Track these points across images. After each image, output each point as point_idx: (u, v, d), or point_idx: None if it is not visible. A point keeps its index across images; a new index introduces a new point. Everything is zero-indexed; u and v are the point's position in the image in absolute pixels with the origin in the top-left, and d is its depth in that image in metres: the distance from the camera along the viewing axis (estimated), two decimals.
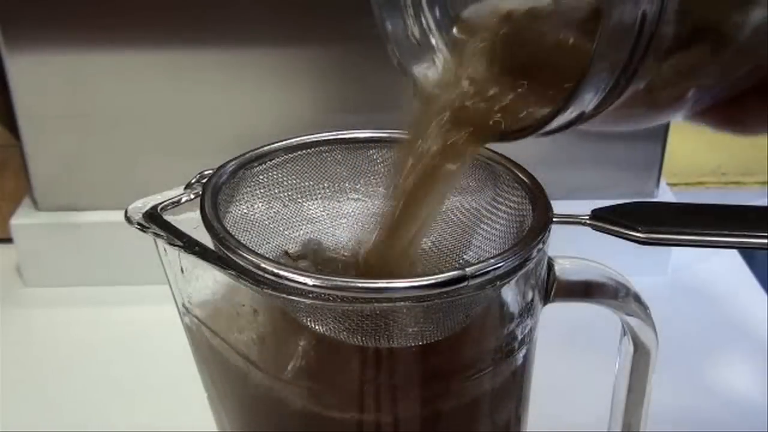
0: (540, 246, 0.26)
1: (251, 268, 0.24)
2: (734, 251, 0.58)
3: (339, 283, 0.23)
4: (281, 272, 0.23)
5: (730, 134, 0.24)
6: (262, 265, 0.24)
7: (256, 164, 0.30)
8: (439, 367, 0.26)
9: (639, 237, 0.26)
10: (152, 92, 0.50)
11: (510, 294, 0.26)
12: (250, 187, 0.30)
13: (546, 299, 0.29)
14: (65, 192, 0.52)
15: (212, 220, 0.26)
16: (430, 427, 0.28)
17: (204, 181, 0.29)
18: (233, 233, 0.26)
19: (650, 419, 0.33)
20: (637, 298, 0.30)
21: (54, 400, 0.45)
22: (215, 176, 0.29)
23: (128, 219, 0.27)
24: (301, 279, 0.23)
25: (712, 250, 0.58)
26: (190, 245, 0.26)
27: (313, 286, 0.23)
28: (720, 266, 0.57)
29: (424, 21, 0.27)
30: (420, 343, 0.25)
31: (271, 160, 0.31)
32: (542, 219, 0.27)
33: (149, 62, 0.49)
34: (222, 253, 0.25)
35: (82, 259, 0.53)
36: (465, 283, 0.23)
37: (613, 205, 0.28)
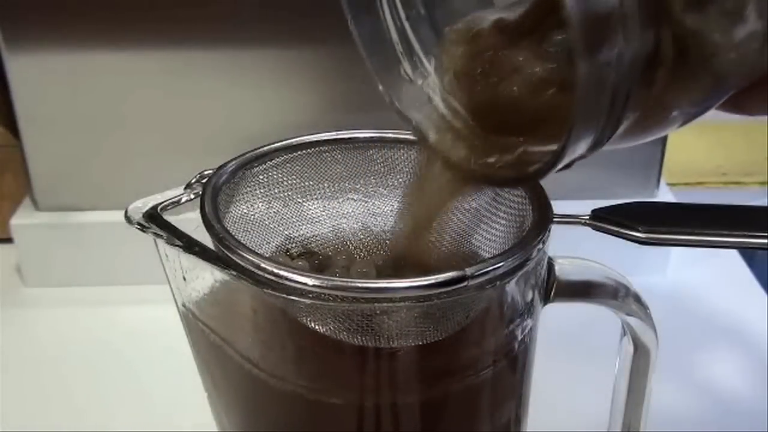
0: (540, 246, 0.26)
1: (251, 268, 0.24)
2: (734, 251, 0.58)
3: (339, 283, 0.23)
4: (281, 272, 0.23)
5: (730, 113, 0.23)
6: (262, 265, 0.24)
7: (256, 164, 0.30)
8: (439, 367, 0.26)
9: (639, 237, 0.26)
10: (152, 92, 0.50)
11: (510, 294, 0.26)
12: (250, 187, 0.30)
13: (546, 299, 0.29)
14: (65, 192, 0.52)
15: (212, 220, 0.26)
16: (430, 427, 0.28)
17: (204, 181, 0.29)
18: (233, 233, 0.26)
19: (650, 419, 0.33)
20: (637, 298, 0.30)
21: (54, 400, 0.45)
22: (215, 176, 0.29)
23: (128, 219, 0.27)
24: (301, 279, 0.23)
25: (712, 250, 0.58)
26: (190, 245, 0.26)
27: (313, 286, 0.23)
28: (720, 266, 0.57)
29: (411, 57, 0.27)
30: (420, 343, 0.25)
31: (271, 160, 0.31)
32: (542, 219, 0.27)
33: (149, 62, 0.49)
34: (222, 253, 0.25)
35: (82, 259, 0.53)
36: (465, 283, 0.23)
37: (613, 205, 0.28)
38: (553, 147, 0.20)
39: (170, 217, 0.28)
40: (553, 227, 0.27)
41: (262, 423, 0.29)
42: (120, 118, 0.50)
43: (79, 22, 0.47)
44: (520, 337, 0.28)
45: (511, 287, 0.26)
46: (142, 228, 0.27)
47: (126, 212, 0.27)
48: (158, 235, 0.26)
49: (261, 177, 0.31)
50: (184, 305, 0.29)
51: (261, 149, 0.30)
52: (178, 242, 0.26)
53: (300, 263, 0.31)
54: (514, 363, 0.29)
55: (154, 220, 0.27)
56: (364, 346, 0.25)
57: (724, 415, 0.44)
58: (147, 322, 0.49)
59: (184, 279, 0.28)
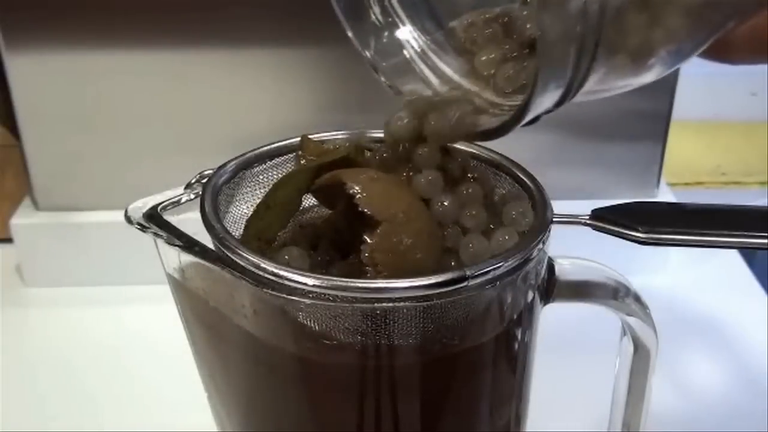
0: (540, 246, 0.26)
1: (251, 268, 0.24)
2: (734, 251, 0.58)
3: (338, 283, 0.23)
4: (281, 272, 0.23)
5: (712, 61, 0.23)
6: (262, 265, 0.24)
7: (256, 164, 0.30)
8: (439, 368, 0.26)
9: (639, 237, 0.26)
10: (152, 92, 0.50)
11: (510, 294, 0.26)
12: (250, 187, 0.30)
13: (546, 299, 0.29)
14: (65, 192, 0.52)
15: (212, 220, 0.26)
16: (430, 427, 0.28)
17: (204, 181, 0.29)
18: (233, 233, 0.25)
19: (650, 419, 0.33)
20: (637, 298, 0.30)
21: (54, 400, 0.45)
22: (215, 176, 0.29)
23: (128, 219, 0.27)
24: (300, 279, 0.23)
25: (712, 250, 0.58)
26: (189, 245, 0.26)
27: (313, 285, 0.23)
28: (720, 266, 0.57)
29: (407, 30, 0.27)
30: (420, 343, 0.25)
31: (270, 160, 0.31)
32: (542, 219, 0.27)
33: (149, 62, 0.49)
34: (222, 253, 0.25)
35: (82, 259, 0.53)
36: (465, 283, 0.23)
37: (613, 205, 0.28)
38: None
39: (170, 217, 0.28)
40: (553, 227, 0.27)
41: (261, 422, 0.29)
42: (120, 118, 0.50)
43: (79, 22, 0.47)
44: (520, 337, 0.28)
45: (511, 287, 0.26)
46: (142, 228, 0.27)
47: (126, 212, 0.27)
48: (158, 235, 0.26)
49: (261, 177, 0.31)
50: (183, 305, 0.29)
51: (261, 149, 0.30)
52: (177, 242, 0.26)
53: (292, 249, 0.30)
54: (514, 363, 0.29)
55: (154, 220, 0.27)
56: (364, 346, 0.25)
57: (723, 415, 0.44)
58: (147, 322, 0.49)
59: (184, 279, 0.28)
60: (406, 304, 0.23)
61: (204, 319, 0.28)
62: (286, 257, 0.26)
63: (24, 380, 0.46)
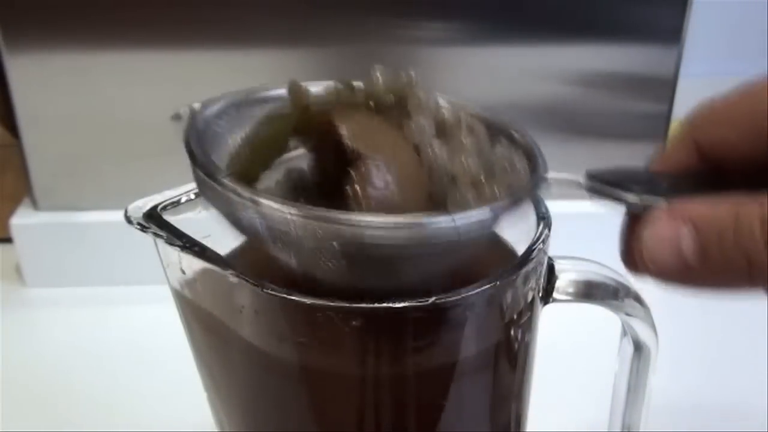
0: (540, 246, 0.26)
1: (231, 195, 0.23)
2: None
3: (318, 213, 0.22)
4: (263, 200, 0.23)
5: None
6: (240, 191, 0.23)
7: (248, 104, 0.29)
8: (439, 368, 0.26)
9: (633, 200, 0.25)
10: (152, 92, 0.50)
11: (510, 294, 0.26)
12: (240, 127, 0.29)
13: (546, 299, 0.29)
14: (65, 192, 0.52)
15: (194, 147, 0.26)
16: (430, 428, 0.28)
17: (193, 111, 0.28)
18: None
19: (650, 419, 0.33)
20: (637, 298, 0.30)
21: (54, 400, 0.45)
22: (204, 108, 0.28)
23: (128, 219, 0.27)
24: (279, 207, 0.23)
25: None
26: (189, 245, 0.26)
27: (291, 214, 0.23)
28: None
29: None
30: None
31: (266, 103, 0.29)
32: (536, 176, 0.26)
33: (149, 62, 0.49)
34: (202, 181, 0.24)
35: (83, 259, 0.53)
36: (451, 225, 0.23)
37: (610, 168, 0.27)
38: None
39: (170, 217, 0.28)
40: (553, 228, 0.27)
41: (261, 422, 0.29)
42: (120, 118, 0.50)
43: (79, 22, 0.47)
44: (520, 338, 0.28)
45: (511, 287, 0.26)
46: (142, 228, 0.27)
47: (126, 212, 0.27)
48: (158, 235, 0.26)
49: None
50: (183, 305, 0.29)
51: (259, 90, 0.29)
52: (177, 242, 0.26)
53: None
54: (514, 363, 0.29)
55: (154, 220, 0.27)
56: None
57: (724, 415, 0.44)
58: (147, 322, 0.49)
59: (184, 279, 0.28)
60: (385, 234, 0.23)
61: (204, 320, 0.28)
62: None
63: (24, 380, 0.46)
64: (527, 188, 0.26)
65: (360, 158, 0.24)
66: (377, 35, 0.48)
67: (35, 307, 0.52)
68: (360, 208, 0.24)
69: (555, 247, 0.28)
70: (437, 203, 0.26)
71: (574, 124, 0.51)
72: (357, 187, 0.24)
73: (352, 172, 0.24)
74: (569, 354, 0.45)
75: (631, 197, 0.25)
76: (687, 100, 0.27)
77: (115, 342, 0.49)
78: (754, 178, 0.24)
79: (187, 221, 0.27)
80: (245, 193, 0.23)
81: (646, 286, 0.30)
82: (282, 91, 0.29)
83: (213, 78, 0.49)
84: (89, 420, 0.43)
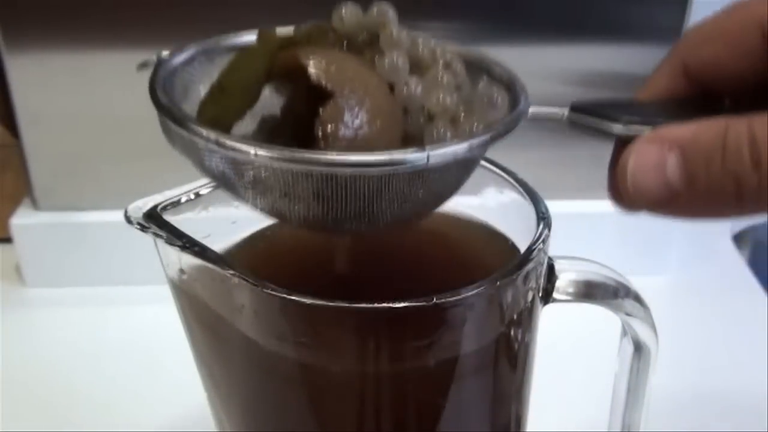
0: (540, 246, 0.26)
1: (197, 139, 0.23)
2: (734, 251, 0.58)
3: (286, 153, 0.22)
4: (228, 142, 0.22)
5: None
6: (206, 134, 0.23)
7: (218, 52, 0.28)
8: (439, 368, 0.26)
9: (618, 131, 0.24)
10: None
11: (510, 294, 0.26)
12: (208, 75, 0.28)
13: (546, 299, 0.29)
14: (65, 192, 0.52)
15: (159, 93, 0.25)
16: (430, 428, 0.28)
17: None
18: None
19: (650, 419, 0.33)
20: (637, 298, 0.30)
21: (54, 400, 0.45)
22: (171, 56, 0.27)
23: (128, 219, 0.27)
24: (248, 149, 0.22)
25: (712, 249, 0.58)
26: (189, 245, 0.26)
27: (260, 156, 0.22)
28: (720, 266, 0.57)
29: None
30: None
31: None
32: (517, 109, 0.25)
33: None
34: (170, 126, 0.24)
35: (83, 259, 0.53)
36: (424, 159, 0.22)
37: (596, 99, 0.25)
38: None
39: (170, 217, 0.28)
40: (553, 229, 0.27)
41: (261, 423, 0.29)
42: (120, 118, 0.50)
43: (79, 22, 0.47)
44: (520, 338, 0.28)
45: (511, 287, 0.26)
46: (142, 228, 0.27)
47: (126, 212, 0.27)
48: (158, 235, 0.26)
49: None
50: (183, 305, 0.29)
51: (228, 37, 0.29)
52: (177, 242, 0.26)
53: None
54: (514, 363, 0.29)
55: (154, 220, 0.27)
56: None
57: (724, 414, 0.44)
58: (147, 322, 0.49)
59: (184, 279, 0.28)
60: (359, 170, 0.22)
61: (204, 320, 0.28)
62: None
63: (24, 380, 0.46)
64: (508, 123, 0.24)
65: (329, 96, 0.23)
66: None
67: (35, 307, 0.52)
68: (329, 148, 0.23)
69: (555, 247, 0.28)
70: (412, 139, 0.25)
71: None
72: (327, 127, 0.23)
73: (321, 111, 0.23)
74: (569, 354, 0.45)
75: (617, 127, 0.24)
76: (665, 55, 0.26)
77: (115, 342, 0.49)
78: (743, 101, 0.24)
79: (187, 221, 0.27)
80: (211, 135, 0.22)
81: (646, 286, 0.30)
82: (252, 37, 0.28)
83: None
84: (89, 420, 0.43)
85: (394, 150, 0.22)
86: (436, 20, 0.48)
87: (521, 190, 0.29)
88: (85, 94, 0.49)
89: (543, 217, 0.28)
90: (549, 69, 0.50)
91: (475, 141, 0.23)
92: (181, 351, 0.30)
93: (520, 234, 0.29)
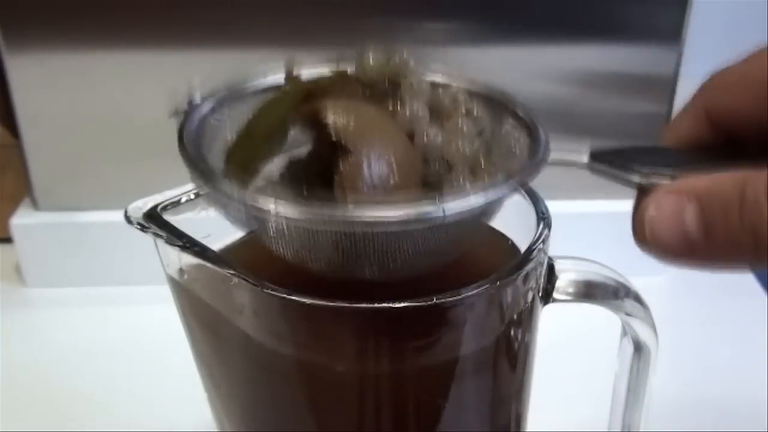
0: (540, 246, 0.26)
1: (222, 196, 0.23)
2: None
3: (309, 208, 0.22)
4: (249, 200, 0.23)
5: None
6: (230, 193, 0.23)
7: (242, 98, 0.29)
8: (439, 368, 0.26)
9: (637, 180, 0.24)
10: (152, 92, 0.50)
11: (510, 294, 0.26)
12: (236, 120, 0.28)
13: (546, 299, 0.29)
14: (65, 192, 0.52)
15: (189, 148, 0.26)
16: (430, 428, 0.28)
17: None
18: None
19: (650, 419, 0.33)
20: (637, 298, 0.30)
21: (54, 400, 0.45)
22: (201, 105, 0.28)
23: (128, 219, 0.27)
24: (265, 205, 0.22)
25: None
26: (190, 245, 0.26)
27: (277, 212, 0.22)
28: None
29: None
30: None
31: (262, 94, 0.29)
32: (536, 159, 0.25)
33: (150, 62, 0.49)
34: (202, 184, 0.24)
35: (83, 259, 0.53)
36: (440, 215, 0.22)
37: (614, 147, 0.26)
38: None
39: (170, 217, 0.27)
40: (553, 229, 0.27)
41: (261, 422, 0.29)
42: (120, 118, 0.50)
43: (79, 22, 0.47)
44: (520, 338, 0.28)
45: (511, 287, 0.26)
46: (142, 228, 0.27)
47: (126, 212, 0.27)
48: (158, 235, 0.26)
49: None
50: (183, 305, 0.29)
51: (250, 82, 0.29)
52: (178, 242, 0.26)
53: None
54: (514, 363, 0.29)
55: (154, 220, 0.27)
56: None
57: (724, 415, 0.44)
58: (147, 322, 0.49)
59: (184, 279, 0.28)
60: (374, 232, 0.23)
61: (204, 320, 0.28)
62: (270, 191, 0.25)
63: (24, 380, 0.46)
64: (528, 172, 0.25)
65: (347, 152, 0.24)
66: (377, 35, 0.48)
67: (35, 307, 0.52)
68: (347, 201, 0.23)
69: (555, 247, 0.28)
70: (432, 186, 0.25)
71: (573, 124, 0.51)
72: (345, 181, 0.23)
73: (339, 167, 0.24)
74: (569, 354, 0.45)
75: (636, 177, 0.24)
76: (687, 100, 0.26)
77: (115, 342, 0.49)
78: (765, 147, 0.24)
79: (187, 221, 0.27)
80: (234, 193, 0.23)
81: (646, 286, 0.30)
82: (279, 77, 0.29)
83: (212, 78, 0.49)
84: (89, 420, 0.43)
85: (411, 205, 0.22)
86: (436, 20, 0.48)
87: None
88: (85, 94, 0.49)
89: (543, 217, 0.28)
90: (549, 69, 0.50)
91: (493, 193, 0.23)
92: (181, 351, 0.30)
93: (520, 234, 0.29)
